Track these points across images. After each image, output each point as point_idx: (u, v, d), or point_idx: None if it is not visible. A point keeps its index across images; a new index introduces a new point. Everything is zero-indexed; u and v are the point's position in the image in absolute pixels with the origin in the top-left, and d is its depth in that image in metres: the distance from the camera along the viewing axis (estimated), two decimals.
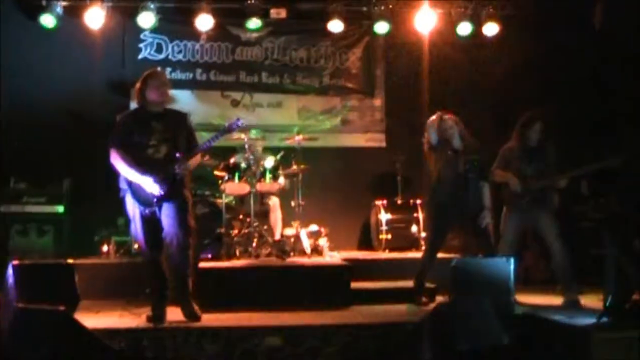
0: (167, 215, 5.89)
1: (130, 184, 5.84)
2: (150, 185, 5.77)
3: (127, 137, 5.87)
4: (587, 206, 7.88)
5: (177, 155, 5.82)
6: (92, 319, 5.85)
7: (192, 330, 5.62)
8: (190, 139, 6.06)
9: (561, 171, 6.69)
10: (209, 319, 5.96)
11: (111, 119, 6.91)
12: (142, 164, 5.80)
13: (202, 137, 6.94)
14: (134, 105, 8.60)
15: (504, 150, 6.93)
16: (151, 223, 5.89)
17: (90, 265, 7.36)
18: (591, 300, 6.41)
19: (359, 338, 5.66)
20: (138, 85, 6.00)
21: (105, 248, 8.01)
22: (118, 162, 5.83)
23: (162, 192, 5.78)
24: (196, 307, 5.98)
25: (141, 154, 5.83)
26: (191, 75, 9.10)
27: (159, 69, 6.81)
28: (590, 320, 5.33)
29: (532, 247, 7.92)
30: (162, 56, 9.06)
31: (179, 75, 9.03)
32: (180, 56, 9.10)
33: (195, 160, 6.10)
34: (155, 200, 5.80)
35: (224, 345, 5.55)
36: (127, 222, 7.33)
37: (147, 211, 5.84)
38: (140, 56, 9.02)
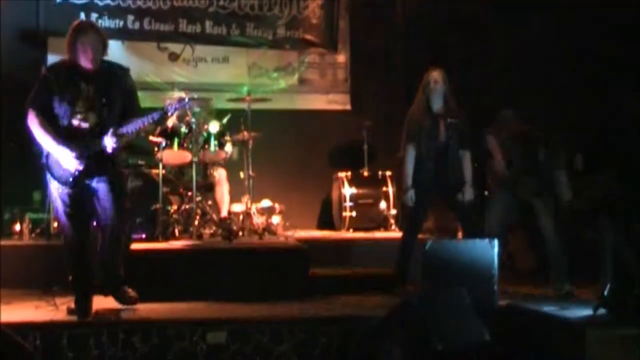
0: (95, 195, 5.79)
1: (47, 155, 5.72)
2: (68, 160, 5.62)
3: (49, 98, 5.69)
4: (582, 183, 7.91)
5: (110, 130, 5.65)
6: (2, 311, 5.65)
7: (120, 325, 5.55)
8: (129, 103, 5.89)
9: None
10: (141, 312, 5.91)
11: (22, 75, 6.74)
12: (63, 134, 5.65)
13: None
14: (52, 59, 8.58)
15: (503, 128, 6.93)
16: (77, 197, 5.76)
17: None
18: (586, 292, 6.44)
19: (316, 334, 5.65)
20: (67, 37, 5.77)
21: (17, 227, 7.90)
22: (35, 127, 5.67)
23: (81, 168, 5.64)
24: (130, 290, 5.98)
25: (64, 121, 5.68)
26: (121, 23, 8.89)
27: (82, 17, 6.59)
28: (585, 313, 5.35)
29: (518, 230, 7.94)
30: None
31: (106, 22, 8.78)
32: None
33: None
34: (72, 178, 5.67)
35: (157, 343, 5.48)
36: (45, 196, 7.22)
37: (65, 189, 5.72)
38: None
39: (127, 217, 5.97)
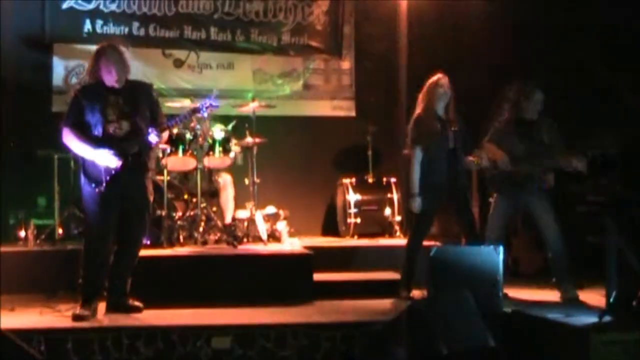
0: (124, 199, 6.01)
1: (83, 161, 5.97)
2: (107, 158, 5.85)
3: (80, 113, 5.98)
4: (586, 187, 7.89)
5: (150, 128, 5.99)
6: (6, 317, 5.70)
7: (125, 331, 5.55)
8: (155, 112, 6.21)
9: (553, 153, 6.70)
10: (145, 317, 5.93)
11: (27, 81, 6.72)
12: (99, 140, 5.91)
13: None
14: (57, 64, 8.68)
15: (499, 123, 6.90)
16: (109, 199, 5.94)
17: (4, 253, 7.15)
18: (592, 297, 6.42)
19: (320, 339, 5.65)
20: (89, 63, 6.13)
21: (22, 233, 7.86)
22: (71, 140, 5.96)
23: (120, 164, 5.86)
24: (131, 301, 6.10)
25: (99, 129, 5.94)
26: (127, 30, 8.91)
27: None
28: (590, 319, 5.32)
29: (522, 234, 7.93)
30: (91, 6, 8.80)
31: (112, 29, 8.82)
32: (113, 6, 8.87)
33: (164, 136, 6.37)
34: (108, 177, 5.87)
35: (162, 348, 5.49)
36: (49, 201, 7.22)
37: (98, 189, 5.93)
38: (64, 5, 8.75)
39: (146, 228, 6.30)
